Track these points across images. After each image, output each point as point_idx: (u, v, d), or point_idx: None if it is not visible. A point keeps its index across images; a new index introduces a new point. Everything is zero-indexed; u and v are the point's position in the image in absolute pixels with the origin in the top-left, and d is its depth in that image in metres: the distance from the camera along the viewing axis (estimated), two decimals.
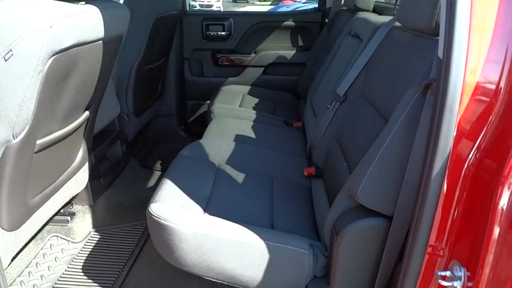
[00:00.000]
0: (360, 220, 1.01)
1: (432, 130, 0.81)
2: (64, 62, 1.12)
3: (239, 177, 1.55)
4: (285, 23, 2.82)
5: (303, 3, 8.68)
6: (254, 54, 2.88)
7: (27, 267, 1.62)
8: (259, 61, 2.88)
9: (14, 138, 1.10)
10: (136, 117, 2.39)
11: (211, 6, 22.29)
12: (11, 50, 0.99)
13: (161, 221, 1.16)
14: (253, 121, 2.16)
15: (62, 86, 1.20)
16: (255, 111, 2.30)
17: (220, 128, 2.02)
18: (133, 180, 2.28)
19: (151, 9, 2.12)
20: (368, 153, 1.07)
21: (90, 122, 1.64)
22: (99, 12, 1.22)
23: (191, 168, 1.56)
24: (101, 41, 1.28)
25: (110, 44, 1.38)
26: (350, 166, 1.28)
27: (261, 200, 1.43)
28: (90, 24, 1.18)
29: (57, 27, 1.03)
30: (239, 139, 1.89)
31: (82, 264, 1.67)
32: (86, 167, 1.78)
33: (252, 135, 1.97)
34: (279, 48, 2.88)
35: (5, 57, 0.99)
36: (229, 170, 1.58)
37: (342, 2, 2.58)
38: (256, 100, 2.62)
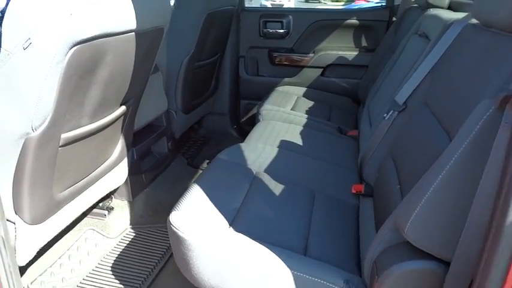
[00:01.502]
0: (407, 261, 0.81)
1: (510, 156, 0.61)
2: (88, 53, 1.05)
3: (277, 188, 1.40)
4: (348, 21, 2.60)
5: (376, 3, 8.24)
6: (312, 54, 2.70)
7: (60, 258, 1.61)
8: (317, 61, 2.69)
9: (34, 131, 1.05)
10: (184, 114, 2.33)
11: (282, 6, 22.38)
12: (29, 39, 0.93)
13: (179, 233, 1.05)
14: (303, 126, 1.99)
15: (88, 79, 1.14)
16: (306, 116, 2.13)
17: (266, 131, 1.88)
18: (176, 179, 2.23)
19: (203, 4, 2.03)
20: (424, 177, 0.86)
21: (128, 117, 1.59)
22: (131, 2, 1.14)
23: (225, 174, 1.44)
24: (133, 33, 1.20)
25: (146, 36, 1.30)
26: (403, 189, 1.08)
27: (298, 216, 1.27)
28: (119, 14, 1.10)
29: (77, 16, 0.96)
30: (284, 145, 1.74)
31: (112, 262, 1.63)
32: (125, 162, 1.74)
33: (299, 141, 1.80)
34: (339, 48, 2.68)
35: (24, 46, 0.94)
36: (267, 179, 1.44)
37: None
38: (310, 103, 2.44)
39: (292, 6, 22.21)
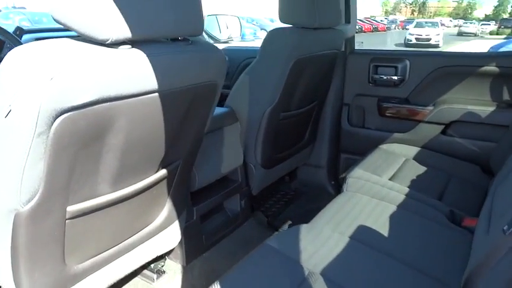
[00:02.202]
0: None
1: None
2: (85, 121, 0.88)
3: None
4: (484, 68, 2.02)
5: None
6: (432, 107, 2.18)
7: None
8: (438, 116, 2.16)
9: (22, 207, 0.91)
10: (265, 169, 2.08)
11: (429, 40, 20.67)
12: (10, 105, 0.80)
13: None
14: (398, 206, 1.53)
15: (96, 147, 0.97)
16: (408, 189, 1.66)
17: (343, 209, 1.49)
18: (245, 243, 1.96)
19: (290, 50, 1.77)
20: None
21: (176, 179, 1.40)
22: (147, 59, 0.94)
23: (265, 271, 1.12)
24: (156, 94, 1.00)
25: (182, 95, 1.09)
26: None
27: None
28: (127, 75, 0.91)
29: (61, 80, 0.79)
30: (360, 235, 1.32)
31: None
32: (176, 225, 1.55)
33: (384, 231, 1.36)
34: (469, 101, 2.10)
35: (5, 114, 0.81)
36: (320, 287, 1.07)
37: None
38: (421, 169, 1.94)
39: (441, 41, 20.45)
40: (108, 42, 0.86)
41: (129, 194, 1.17)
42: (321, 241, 1.27)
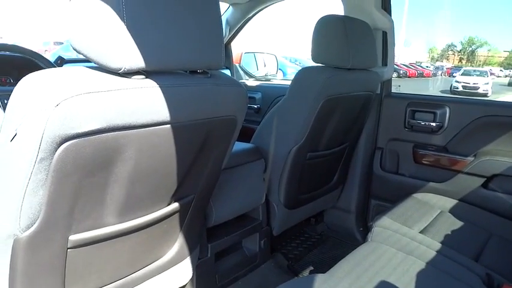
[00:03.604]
0: None
1: None
2: (91, 148, 0.86)
3: None
4: None
5: None
6: (473, 158, 2.04)
7: None
8: (478, 168, 2.01)
9: (21, 233, 0.90)
10: (288, 209, 1.99)
11: (477, 88, 19.93)
12: (16, 130, 0.81)
13: None
14: (427, 263, 1.39)
15: (102, 176, 0.95)
16: (440, 245, 1.51)
17: (366, 261, 1.37)
18: (261, 287, 1.86)
19: (319, 90, 1.72)
20: None
21: (190, 214, 1.36)
22: (160, 89, 0.92)
23: None
24: (168, 126, 0.98)
25: (195, 128, 1.07)
26: None
27: None
28: (137, 105, 0.89)
29: (66, 106, 0.78)
30: None
31: None
32: (187, 262, 1.49)
33: None
34: None
35: (11, 138, 0.82)
36: None
37: None
38: (457, 224, 1.78)
39: (489, 90, 19.69)
40: (120, 71, 0.85)
41: (137, 226, 1.14)
42: None
